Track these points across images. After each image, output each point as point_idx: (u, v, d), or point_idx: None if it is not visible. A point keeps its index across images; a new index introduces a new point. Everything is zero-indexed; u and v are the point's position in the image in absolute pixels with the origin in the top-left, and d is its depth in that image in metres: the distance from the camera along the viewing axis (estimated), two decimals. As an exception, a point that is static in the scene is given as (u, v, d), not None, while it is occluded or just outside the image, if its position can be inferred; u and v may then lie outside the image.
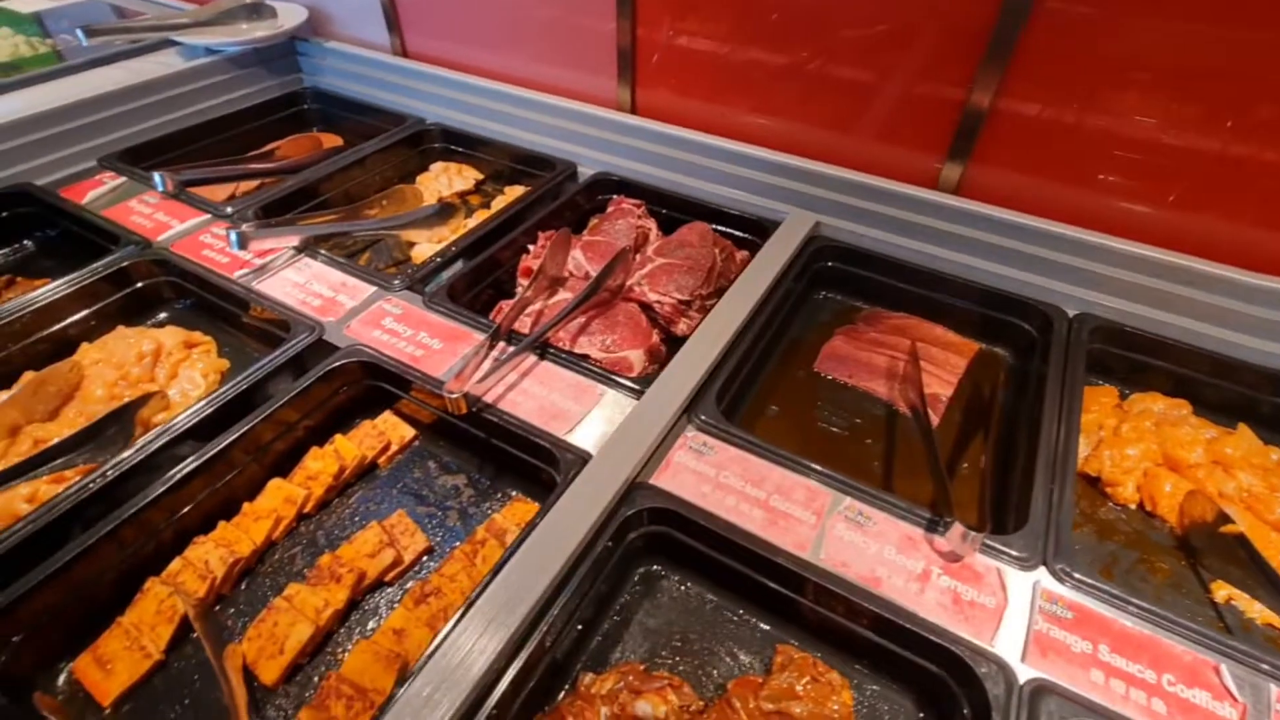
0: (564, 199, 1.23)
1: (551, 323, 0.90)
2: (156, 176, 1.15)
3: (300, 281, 1.01)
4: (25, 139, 1.21)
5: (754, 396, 0.96)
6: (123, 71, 1.41)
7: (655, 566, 0.75)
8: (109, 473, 0.72)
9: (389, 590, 0.74)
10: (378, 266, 1.15)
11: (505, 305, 1.04)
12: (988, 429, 0.89)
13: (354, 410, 0.91)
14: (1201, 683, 0.59)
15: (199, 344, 0.98)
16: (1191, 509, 0.79)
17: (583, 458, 0.75)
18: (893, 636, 0.63)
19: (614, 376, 0.85)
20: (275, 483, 0.80)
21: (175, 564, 0.71)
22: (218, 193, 1.25)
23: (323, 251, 1.06)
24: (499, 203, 1.31)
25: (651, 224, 1.20)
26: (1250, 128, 0.85)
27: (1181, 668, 0.60)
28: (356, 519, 0.80)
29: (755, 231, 1.16)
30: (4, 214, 1.18)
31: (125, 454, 0.74)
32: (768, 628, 0.70)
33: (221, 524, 0.76)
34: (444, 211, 1.20)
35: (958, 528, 0.65)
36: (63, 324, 0.97)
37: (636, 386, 0.83)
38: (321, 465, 0.82)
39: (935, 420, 0.91)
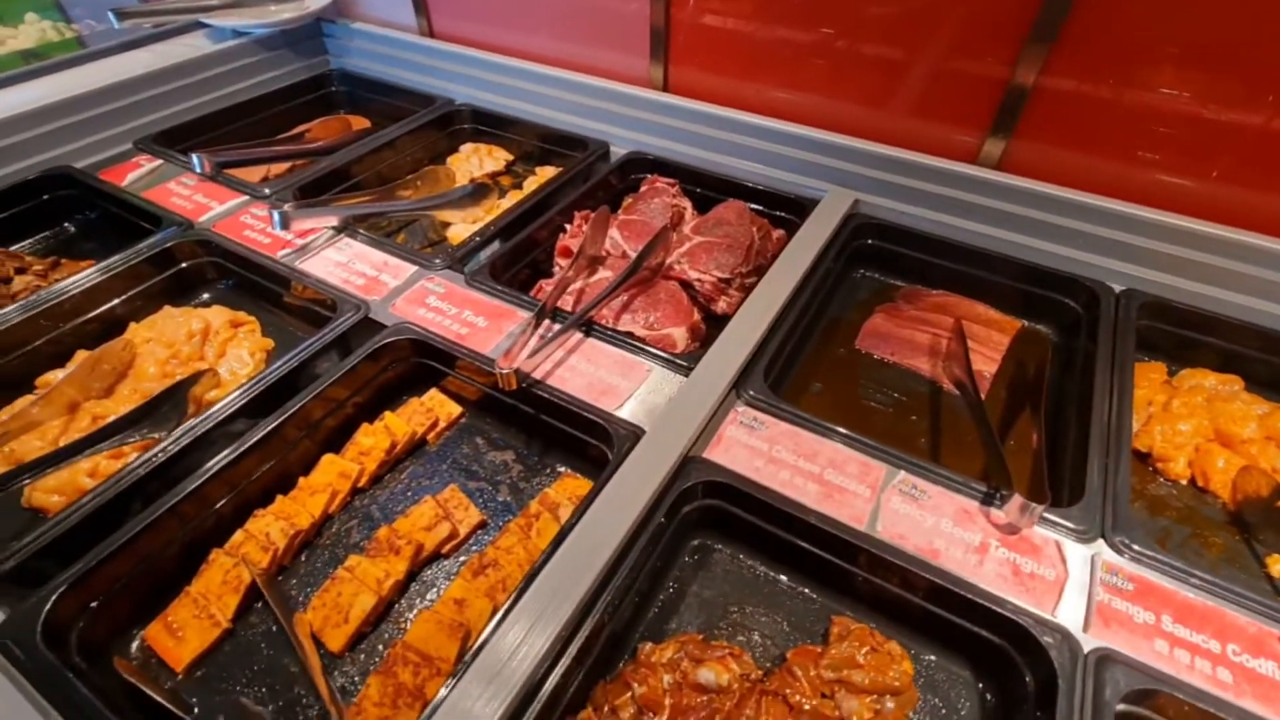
0: (596, 179, 1.23)
1: (597, 299, 0.90)
2: (194, 158, 1.16)
3: (342, 261, 1.01)
4: (61, 122, 1.22)
5: (797, 374, 0.96)
6: (152, 55, 1.42)
7: (708, 540, 0.76)
8: (169, 448, 0.73)
9: (445, 563, 0.75)
10: (414, 247, 1.15)
11: (545, 284, 1.04)
12: (1035, 405, 0.89)
13: (400, 388, 0.92)
14: (1267, 653, 0.59)
15: (244, 323, 0.99)
16: (1245, 484, 0.78)
17: (635, 433, 0.75)
18: (952, 607, 0.64)
19: (660, 353, 0.86)
20: (328, 458, 0.81)
21: (238, 536, 0.73)
22: (251, 175, 1.26)
23: (362, 231, 1.06)
24: (530, 184, 1.31)
25: (687, 203, 1.20)
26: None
27: (1246, 638, 0.60)
28: (409, 493, 0.81)
29: (792, 210, 1.15)
30: (45, 196, 1.18)
31: (182, 430, 0.75)
32: (822, 600, 0.71)
33: (279, 498, 0.77)
34: (478, 192, 1.20)
35: (1017, 499, 0.65)
36: (110, 304, 0.98)
37: (684, 363, 0.83)
38: (373, 441, 0.83)
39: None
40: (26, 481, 0.74)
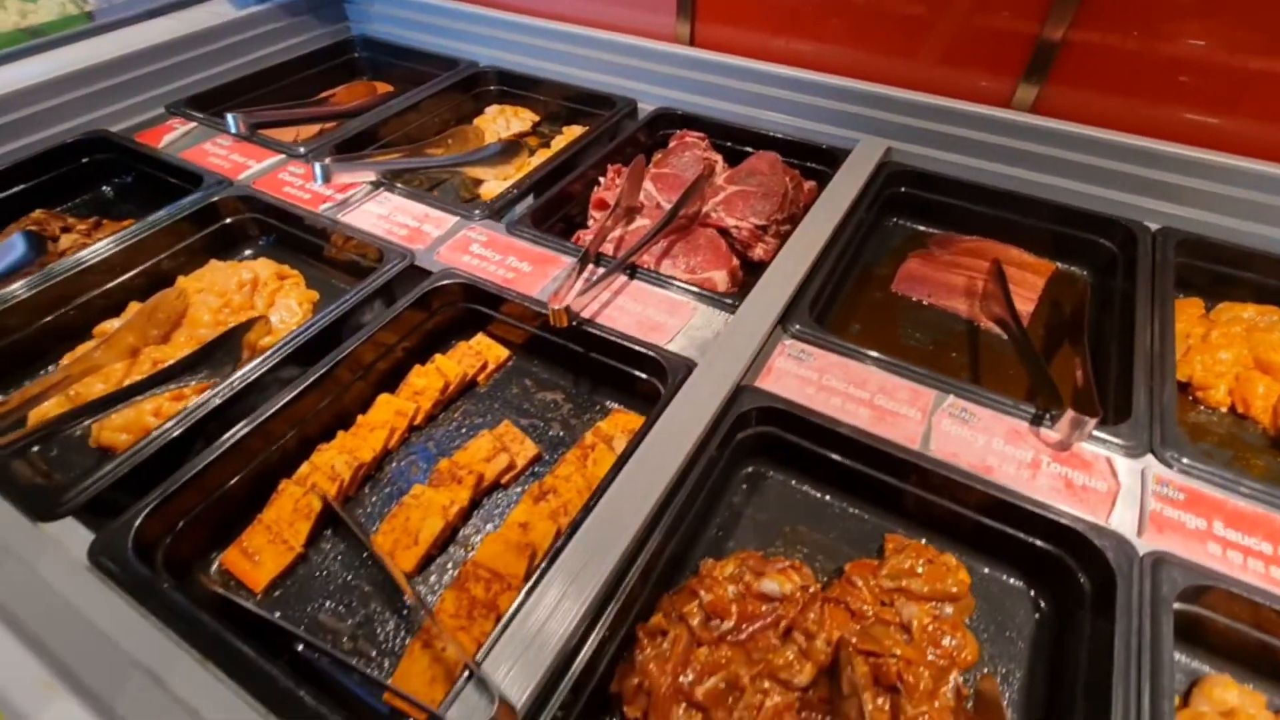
0: (624, 136, 1.23)
1: (642, 242, 0.91)
2: (229, 118, 1.17)
3: (383, 214, 1.02)
4: (93, 87, 1.23)
5: (835, 318, 0.97)
6: (176, 22, 1.42)
7: (760, 468, 0.77)
8: (228, 390, 0.75)
9: (504, 493, 0.77)
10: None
11: (582, 234, 1.05)
12: (1076, 337, 0.90)
13: (448, 334, 0.93)
14: (1318, 553, 0.60)
15: (288, 276, 1.01)
16: (1285, 408, 0.80)
17: (688, 364, 0.77)
18: (1006, 519, 0.66)
19: (704, 292, 0.87)
20: (384, 398, 0.83)
21: (304, 468, 0.75)
22: (280, 137, 1.27)
23: (399, 185, 1.08)
24: (558, 143, 1.31)
25: (717, 157, 1.20)
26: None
27: (1297, 541, 0.61)
28: (463, 431, 0.83)
29: (824, 160, 1.16)
30: (83, 160, 1.20)
31: (240, 373, 0.76)
32: (874, 520, 0.73)
33: (340, 434, 0.79)
34: (510, 149, 1.21)
35: (1069, 414, 0.66)
36: (157, 258, 1.00)
37: (729, 301, 0.85)
38: (426, 381, 0.84)
39: (1020, 333, 0.92)
40: (94, 419, 0.76)
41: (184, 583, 0.63)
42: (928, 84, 1.10)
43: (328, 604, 0.67)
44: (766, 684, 0.58)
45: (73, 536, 0.61)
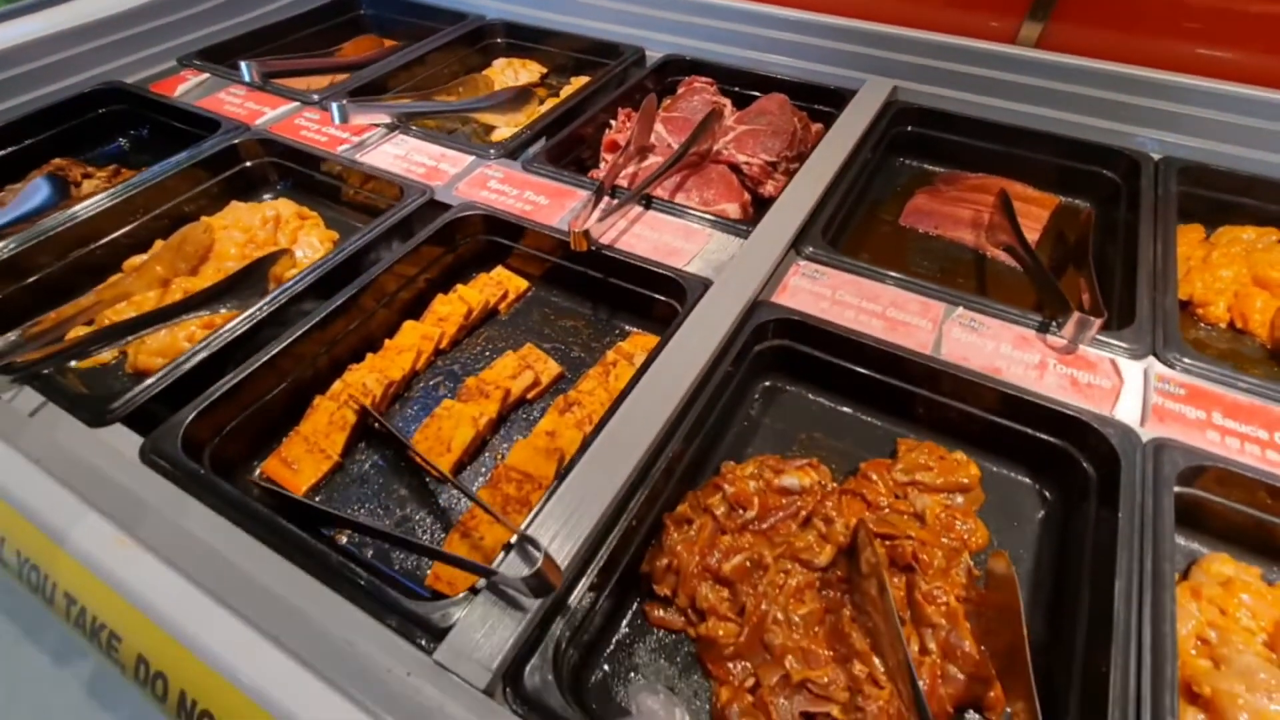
0: (633, 82, 1.25)
1: (656, 173, 0.93)
2: (243, 66, 1.18)
3: (400, 154, 1.04)
4: (106, 39, 1.24)
5: (844, 248, 0.99)
6: (183, -23, 1.42)
7: (776, 382, 0.80)
8: (261, 311, 0.77)
9: (529, 409, 0.79)
10: (462, 149, 1.18)
11: (596, 173, 1.07)
12: (1080, 266, 0.92)
13: (467, 267, 0.95)
14: (1311, 438, 0.63)
15: (309, 217, 1.03)
16: (1283, 321, 0.82)
17: (705, 283, 0.79)
18: (1014, 415, 0.68)
19: (718, 219, 0.89)
20: (409, 324, 0.85)
21: (336, 385, 0.77)
22: (292, 87, 1.28)
23: (414, 127, 1.09)
24: (566, 93, 1.33)
25: (726, 101, 1.22)
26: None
27: (1292, 428, 0.64)
28: (488, 354, 0.86)
29: (831, 102, 1.17)
30: (99, 110, 1.21)
31: (270, 296, 0.79)
32: (886, 426, 0.76)
33: (369, 355, 0.81)
34: (522, 95, 1.22)
35: (1075, 315, 0.69)
36: (179, 199, 1.02)
37: (743, 227, 0.87)
38: (449, 308, 0.87)
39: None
40: (129, 340, 0.78)
41: (230, 483, 0.66)
42: (933, 23, 1.12)
43: (366, 507, 0.70)
44: (788, 564, 0.61)
45: (123, 440, 0.64)
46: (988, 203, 1.04)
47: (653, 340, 0.84)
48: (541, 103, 1.31)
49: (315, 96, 1.17)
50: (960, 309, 0.76)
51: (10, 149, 1.11)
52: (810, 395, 0.79)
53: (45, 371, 0.70)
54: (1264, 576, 0.61)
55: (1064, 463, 0.67)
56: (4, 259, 0.86)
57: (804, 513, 0.64)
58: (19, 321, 0.86)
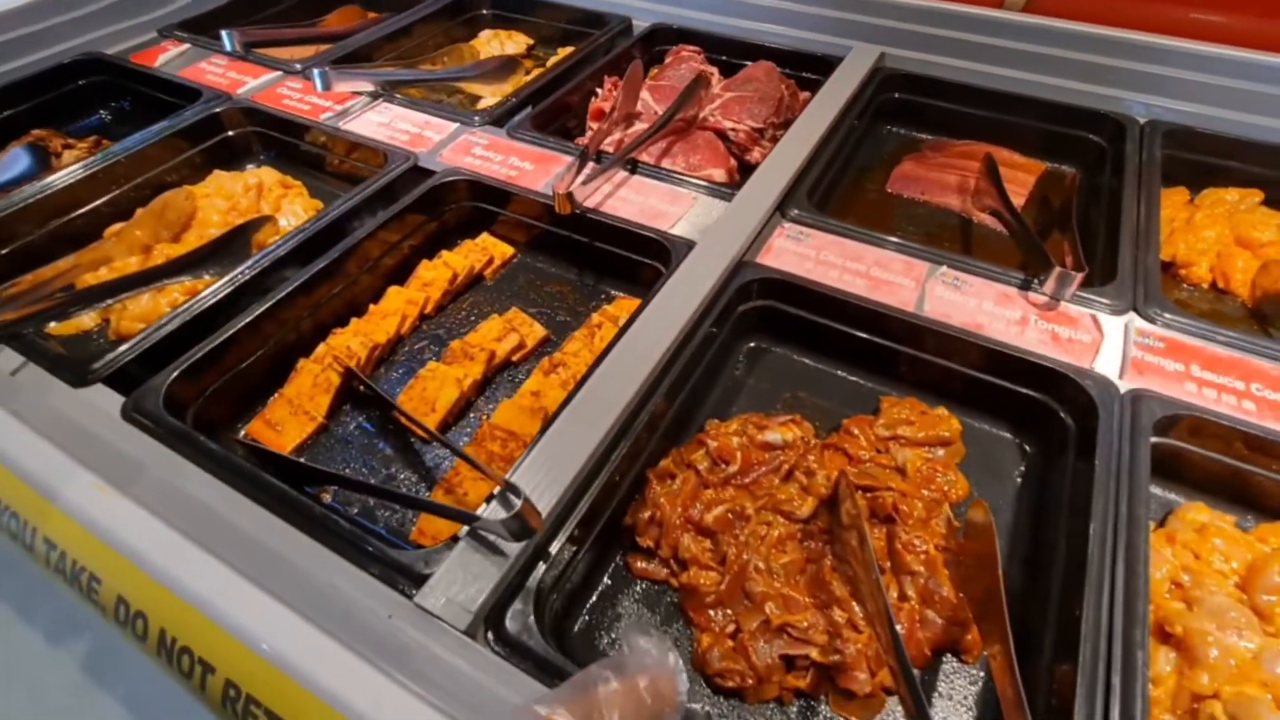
0: (619, 50, 1.24)
1: (642, 137, 0.93)
2: (225, 35, 1.16)
3: (384, 122, 1.03)
4: (85, 9, 1.22)
5: (830, 213, 0.99)
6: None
7: (761, 344, 0.80)
8: (243, 275, 0.77)
9: (515, 371, 0.80)
10: (448, 118, 1.17)
11: (581, 140, 1.06)
12: (1064, 229, 0.92)
13: (452, 234, 0.95)
14: (1287, 388, 0.64)
15: (292, 186, 1.02)
16: (1263, 281, 0.83)
17: (690, 244, 0.79)
18: (995, 370, 0.69)
19: (704, 183, 0.89)
20: (394, 289, 0.85)
21: (320, 348, 0.77)
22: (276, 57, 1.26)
23: (397, 95, 1.08)
24: (553, 64, 1.31)
25: (714, 70, 1.21)
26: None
27: (1268, 379, 0.65)
28: (473, 319, 0.86)
29: (819, 69, 1.16)
30: (79, 82, 1.19)
31: (252, 260, 0.78)
32: (871, 385, 0.76)
33: (354, 320, 0.81)
34: (509, 65, 1.21)
35: (1056, 270, 0.69)
36: (161, 168, 1.01)
37: (729, 191, 0.87)
38: (434, 274, 0.87)
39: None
40: (111, 301, 0.78)
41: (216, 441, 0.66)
42: (921, -11, 1.11)
43: (350, 467, 0.70)
44: (770, 516, 0.61)
45: (106, 399, 0.64)
46: (974, 169, 1.04)
47: (638, 304, 0.84)
48: (528, 73, 1.30)
49: (298, 66, 1.16)
50: (944, 267, 0.77)
51: (-12, 120, 1.10)
52: (795, 356, 0.80)
53: (26, 332, 0.70)
54: (1238, 524, 0.62)
55: (1044, 416, 0.68)
56: (-18, 226, 0.85)
57: (786, 467, 0.65)
58: (-3, 290, 0.85)
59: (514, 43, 1.39)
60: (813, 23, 1.18)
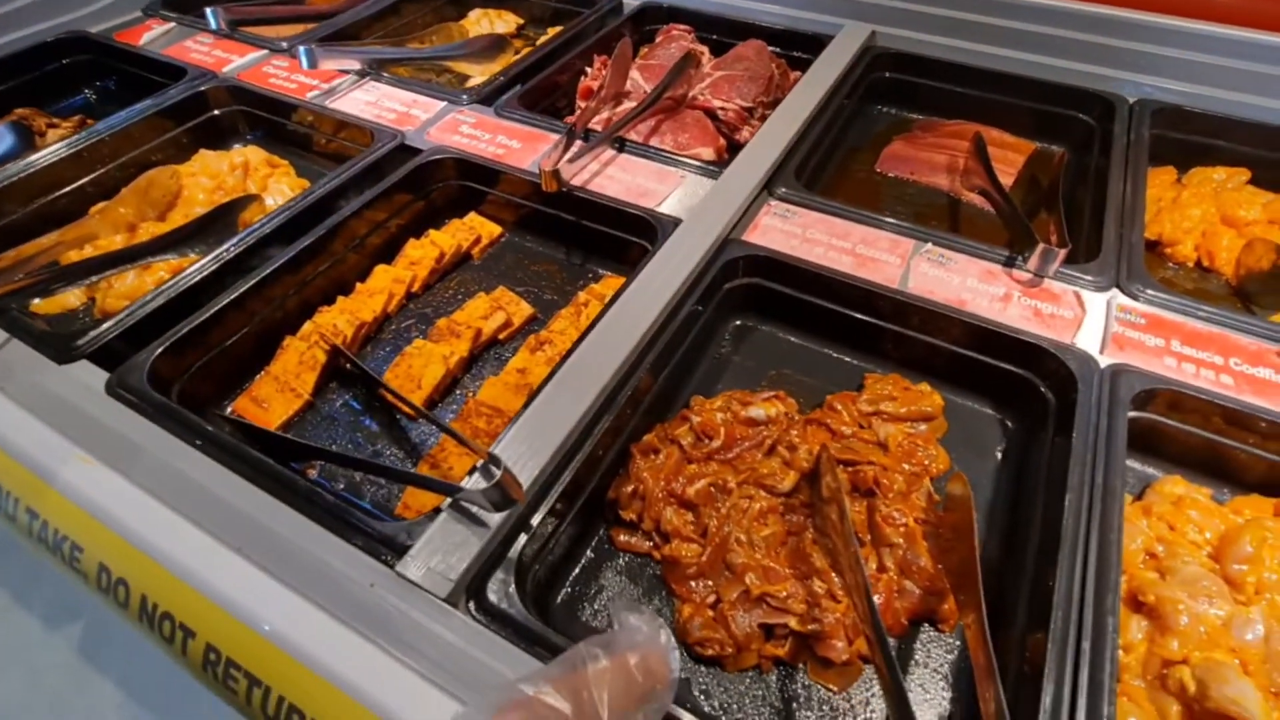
0: (609, 29, 1.23)
1: (630, 116, 0.92)
2: (209, 13, 1.15)
3: (371, 100, 1.03)
4: (68, -12, 1.20)
5: (819, 192, 0.98)
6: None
7: (747, 321, 0.81)
8: (229, 252, 0.76)
9: (500, 349, 0.80)
10: (436, 98, 1.16)
11: (570, 119, 1.06)
12: (1051, 209, 0.92)
13: (440, 214, 0.95)
14: (1265, 363, 0.65)
15: (279, 165, 1.01)
16: (1248, 258, 0.83)
17: (677, 222, 0.79)
18: (978, 346, 0.69)
19: (692, 161, 0.89)
20: (381, 267, 0.85)
21: (307, 326, 0.77)
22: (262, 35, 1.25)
23: (385, 74, 1.07)
24: (543, 43, 1.30)
25: (704, 49, 1.20)
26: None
27: (1247, 354, 0.65)
28: (460, 297, 0.86)
29: (810, 48, 1.15)
30: (63, 61, 1.18)
31: (238, 237, 0.78)
32: (856, 363, 0.77)
33: (340, 298, 0.81)
34: (498, 43, 1.20)
35: (1040, 247, 0.70)
36: (146, 147, 1.00)
37: (716, 169, 0.87)
38: (421, 252, 0.86)
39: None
40: (96, 279, 0.78)
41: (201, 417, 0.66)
42: (913, -34, 1.10)
43: (337, 444, 0.70)
44: (752, 490, 0.62)
45: (90, 375, 0.64)
46: (964, 148, 1.04)
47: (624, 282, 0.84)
48: (517, 53, 1.29)
49: (284, 44, 1.15)
50: (929, 245, 0.77)
51: (-31, 99, 1.09)
52: (781, 334, 0.80)
53: (10, 309, 0.70)
54: (1214, 497, 0.62)
55: (1025, 391, 0.68)
56: (-35, 205, 0.85)
57: (769, 442, 0.65)
58: (-19, 268, 0.85)
59: (504, 22, 1.38)
60: (804, 1, 1.17)
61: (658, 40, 1.23)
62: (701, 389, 0.74)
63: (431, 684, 0.40)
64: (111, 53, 1.17)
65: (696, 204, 0.81)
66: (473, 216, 0.94)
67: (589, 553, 0.62)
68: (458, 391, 0.75)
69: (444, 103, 1.01)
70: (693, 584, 0.57)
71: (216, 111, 1.06)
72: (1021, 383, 0.68)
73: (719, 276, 0.76)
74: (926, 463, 0.65)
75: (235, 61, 1.11)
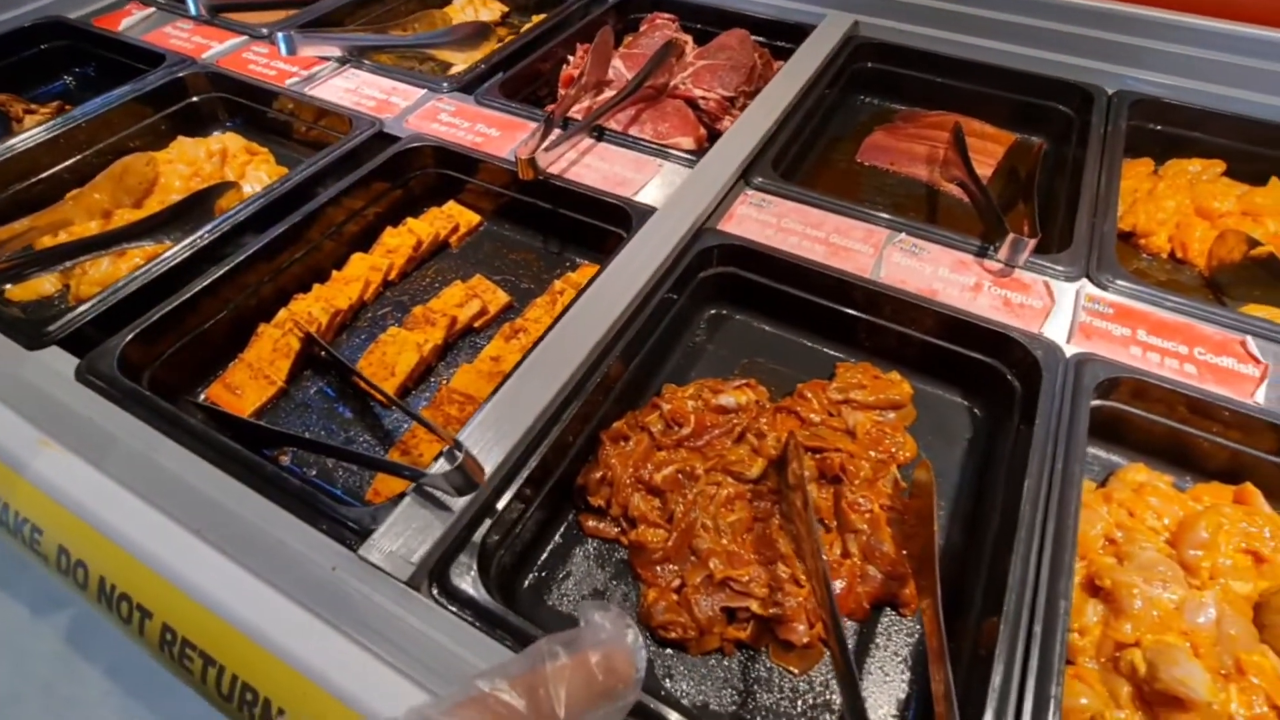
0: (593, 17, 1.22)
1: (609, 104, 0.92)
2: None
3: (351, 88, 1.02)
4: (46, -28, 1.19)
5: (798, 182, 0.99)
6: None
7: (722, 310, 0.81)
8: (203, 238, 0.76)
9: (476, 337, 0.80)
10: (418, 86, 1.16)
11: (550, 107, 1.05)
12: (1027, 199, 0.93)
13: (418, 202, 0.95)
14: (1229, 352, 0.65)
15: (258, 153, 1.01)
16: (1220, 250, 0.84)
17: (652, 209, 0.79)
18: (947, 335, 0.70)
19: (670, 150, 0.89)
20: (358, 255, 0.85)
21: (282, 314, 0.77)
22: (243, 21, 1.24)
23: (366, 61, 1.07)
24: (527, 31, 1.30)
25: (687, 38, 1.20)
26: None
27: (1211, 343, 0.66)
28: (437, 286, 0.86)
29: (794, 38, 1.15)
30: (41, 46, 1.17)
31: (214, 223, 0.78)
32: (829, 351, 0.77)
33: (316, 286, 0.81)
34: (481, 31, 1.19)
35: (1010, 236, 0.70)
36: (124, 134, 0.99)
37: (691, 157, 0.87)
38: (398, 240, 0.86)
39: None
40: (66, 265, 0.77)
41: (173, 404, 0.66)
42: (897, -45, 1.10)
43: (310, 431, 0.70)
44: (720, 476, 0.63)
45: (61, 362, 0.64)
46: (944, 139, 1.04)
47: (601, 271, 0.84)
48: (501, 41, 1.28)
49: (264, 30, 1.14)
50: (902, 234, 0.77)
51: (-55, 85, 1.08)
52: (755, 323, 0.80)
53: (-20, 295, 0.70)
54: (1176, 484, 0.63)
55: (993, 380, 0.69)
56: (-62, 190, 0.84)
57: (739, 429, 0.66)
58: (-45, 254, 0.84)
59: (489, 9, 1.37)
60: (787, -10, 1.17)
61: (642, 29, 1.23)
62: (675, 377, 0.75)
63: (388, 665, 0.41)
64: (90, 38, 1.16)
65: (672, 193, 0.81)
66: (451, 205, 0.93)
67: (557, 538, 0.62)
68: (432, 379, 0.75)
69: (424, 90, 1.01)
70: (658, 569, 0.58)
71: (195, 98, 1.06)
72: (990, 371, 0.69)
73: (693, 265, 0.76)
74: (894, 450, 0.65)
75: (215, 48, 1.11)
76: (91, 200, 0.86)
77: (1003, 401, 0.68)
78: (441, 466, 0.52)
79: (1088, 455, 0.65)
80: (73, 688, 1.25)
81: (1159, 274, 0.86)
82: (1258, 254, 0.78)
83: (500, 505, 0.54)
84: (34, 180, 0.92)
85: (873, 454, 0.65)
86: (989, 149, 1.04)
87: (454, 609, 0.48)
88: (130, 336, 0.66)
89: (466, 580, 0.50)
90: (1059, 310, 0.69)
